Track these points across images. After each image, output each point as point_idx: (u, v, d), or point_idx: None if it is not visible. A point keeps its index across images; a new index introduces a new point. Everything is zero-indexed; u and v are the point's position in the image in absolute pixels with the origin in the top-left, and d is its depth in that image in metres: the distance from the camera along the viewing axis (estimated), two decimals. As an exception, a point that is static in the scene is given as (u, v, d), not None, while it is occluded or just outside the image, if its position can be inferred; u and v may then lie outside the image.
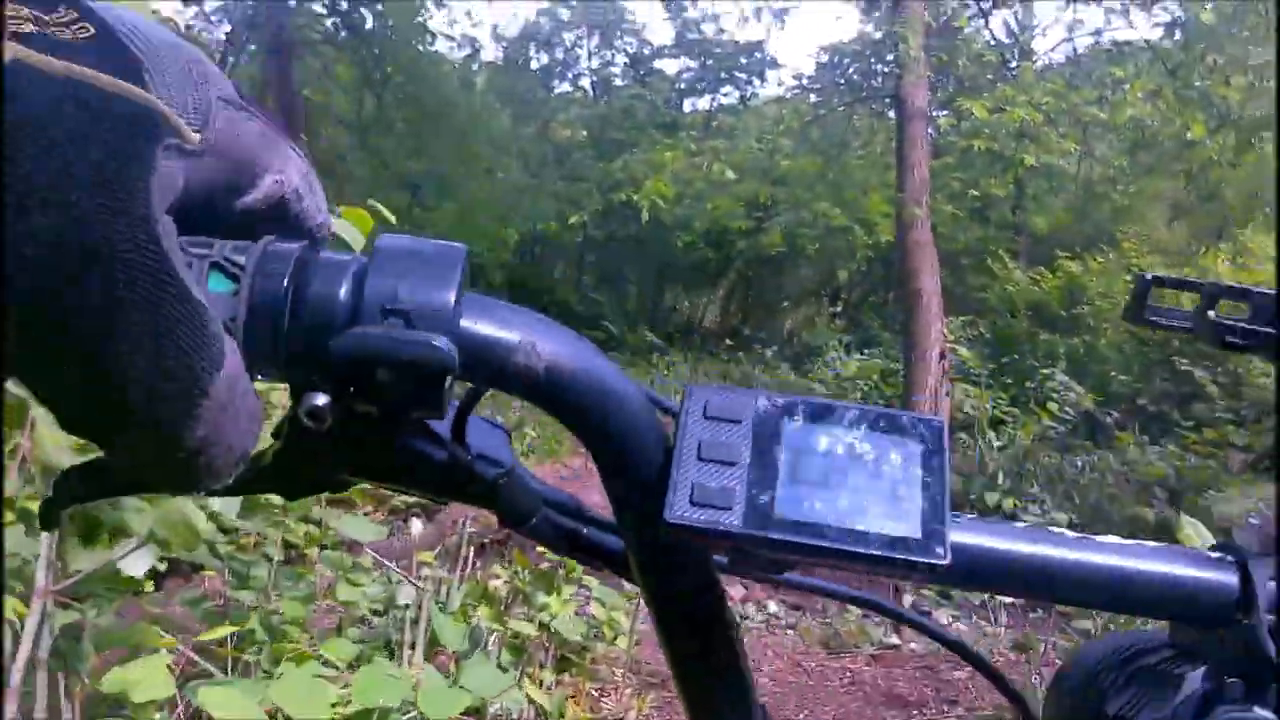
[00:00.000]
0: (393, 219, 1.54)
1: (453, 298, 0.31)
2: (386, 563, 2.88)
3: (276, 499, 2.34)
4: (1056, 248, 10.45)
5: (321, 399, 0.32)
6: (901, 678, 3.24)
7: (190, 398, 0.27)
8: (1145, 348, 8.54)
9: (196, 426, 0.28)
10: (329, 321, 0.31)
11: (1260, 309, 0.40)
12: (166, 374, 0.26)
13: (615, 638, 2.90)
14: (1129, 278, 9.41)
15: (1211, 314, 0.41)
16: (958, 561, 0.34)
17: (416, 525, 3.36)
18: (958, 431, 6.52)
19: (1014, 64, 7.51)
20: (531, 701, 2.41)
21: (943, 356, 5.80)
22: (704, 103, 18.42)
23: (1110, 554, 0.37)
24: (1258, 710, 0.35)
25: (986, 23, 9.54)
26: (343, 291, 0.31)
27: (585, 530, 0.43)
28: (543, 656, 2.61)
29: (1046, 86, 6.62)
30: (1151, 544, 0.38)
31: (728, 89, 18.31)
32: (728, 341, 13.42)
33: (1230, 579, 0.36)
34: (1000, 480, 5.76)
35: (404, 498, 5.44)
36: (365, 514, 5.52)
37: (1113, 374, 7.81)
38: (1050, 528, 0.39)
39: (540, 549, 2.87)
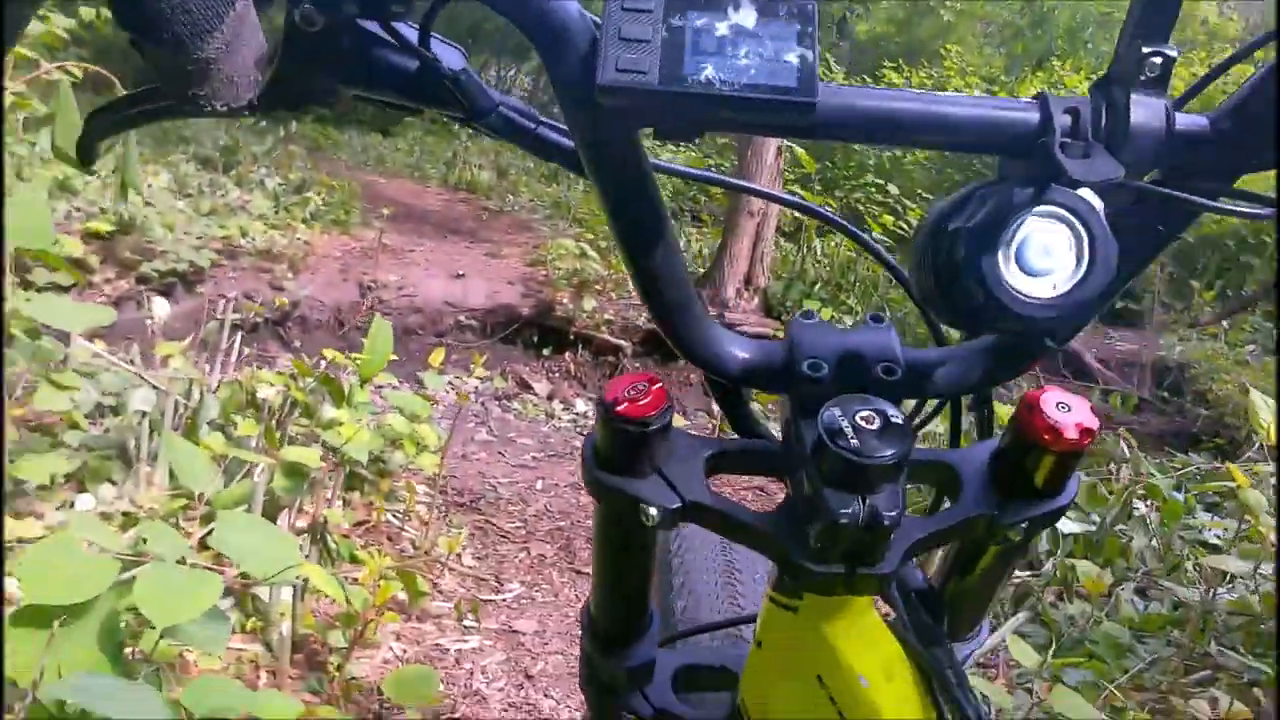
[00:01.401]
0: None
1: None
2: (108, 356, 2.19)
3: None
4: (882, 57, 10.23)
5: (309, 5, 0.42)
6: (745, 487, 3.02)
7: (211, 19, 0.39)
8: (950, 167, 8.66)
9: (212, 41, 0.39)
10: None
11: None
12: None
13: (419, 452, 2.41)
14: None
15: None
16: (827, 114, 0.44)
17: (161, 305, 2.63)
18: (783, 240, 6.30)
19: None
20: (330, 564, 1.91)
21: (780, 153, 5.43)
22: None
23: (946, 104, 0.46)
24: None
25: None
26: None
27: (538, 128, 0.53)
28: (328, 487, 2.08)
29: None
30: (980, 96, 0.52)
31: None
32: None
33: (1036, 115, 0.46)
34: (817, 289, 5.64)
35: (153, 265, 4.52)
36: (101, 282, 4.56)
37: (919, 192, 7.86)
38: (900, 89, 0.50)
39: (327, 353, 2.26)
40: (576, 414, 4.87)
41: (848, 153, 8.56)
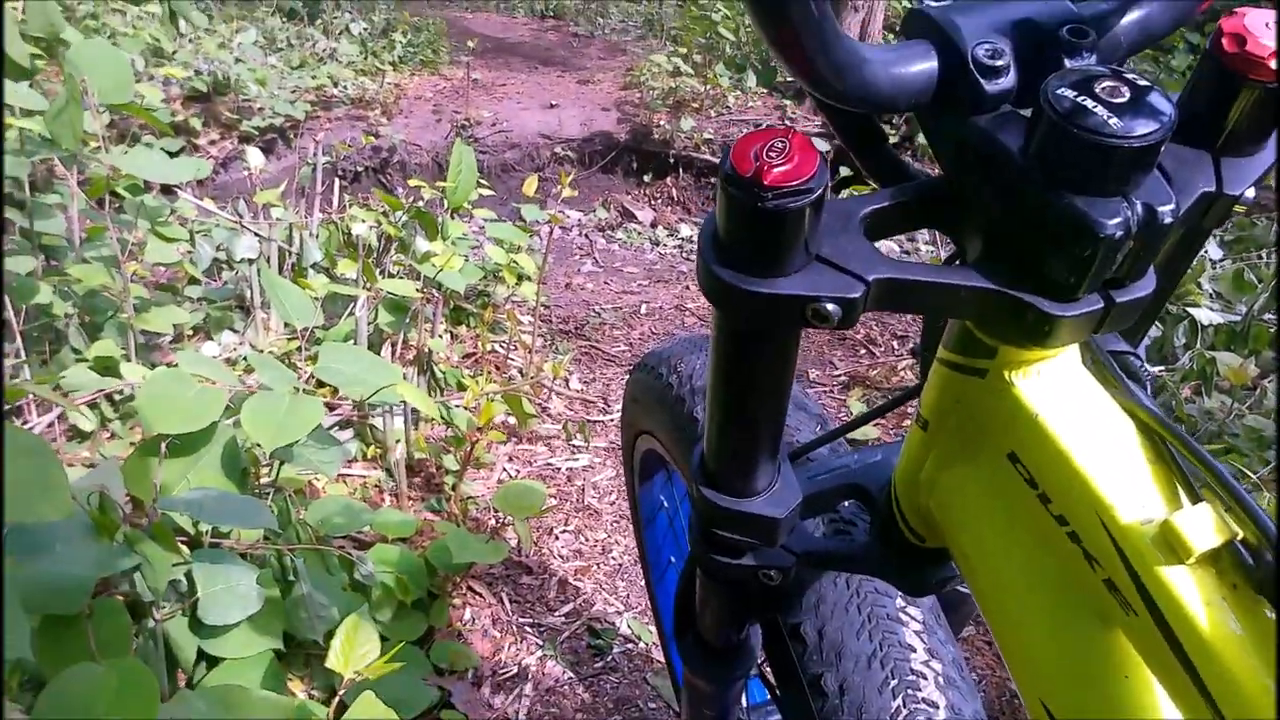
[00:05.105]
0: None
1: None
2: (206, 206, 2.24)
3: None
4: None
5: None
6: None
7: None
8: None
9: None
10: None
11: None
12: None
13: (519, 281, 2.42)
14: None
15: None
16: None
17: (256, 155, 2.65)
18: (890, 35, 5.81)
19: None
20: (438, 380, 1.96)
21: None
22: None
23: None
24: None
25: None
26: None
27: None
28: (430, 320, 2.11)
29: None
30: None
31: None
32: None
33: None
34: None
35: (251, 123, 4.58)
36: (206, 144, 4.66)
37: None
38: None
39: (413, 182, 2.24)
40: (681, 239, 4.79)
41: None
